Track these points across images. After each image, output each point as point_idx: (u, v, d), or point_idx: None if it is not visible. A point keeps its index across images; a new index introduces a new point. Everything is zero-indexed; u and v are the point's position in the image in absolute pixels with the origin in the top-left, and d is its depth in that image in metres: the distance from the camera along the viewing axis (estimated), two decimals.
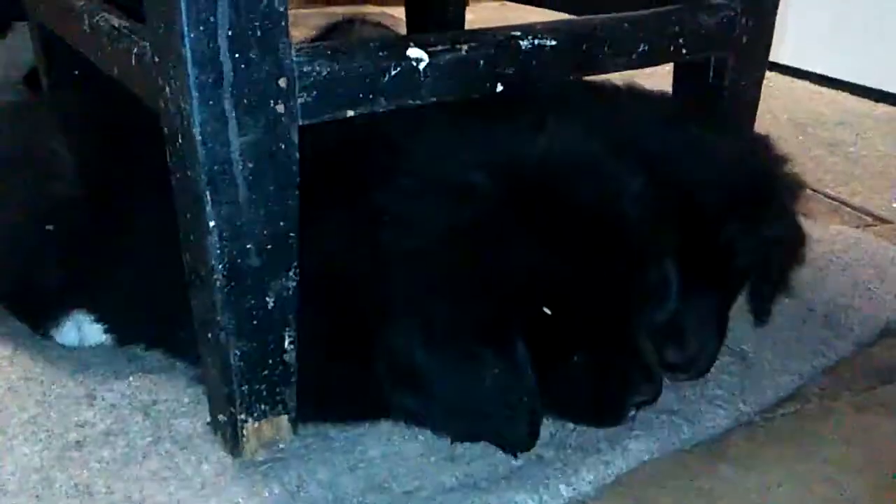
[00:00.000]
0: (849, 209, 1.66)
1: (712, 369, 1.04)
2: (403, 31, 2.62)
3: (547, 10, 1.99)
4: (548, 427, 0.94)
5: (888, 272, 1.30)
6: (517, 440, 0.87)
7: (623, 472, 0.89)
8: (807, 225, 1.49)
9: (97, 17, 0.99)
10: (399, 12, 3.69)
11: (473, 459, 0.90)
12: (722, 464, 0.93)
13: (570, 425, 0.95)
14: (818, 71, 2.63)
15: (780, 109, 2.32)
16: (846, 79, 2.56)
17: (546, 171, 0.86)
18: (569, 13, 1.53)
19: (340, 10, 3.45)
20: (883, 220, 1.60)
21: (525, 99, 0.98)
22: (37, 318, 1.14)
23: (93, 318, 1.12)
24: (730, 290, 1.06)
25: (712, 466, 0.92)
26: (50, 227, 1.07)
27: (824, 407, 1.03)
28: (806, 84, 2.61)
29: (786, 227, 1.06)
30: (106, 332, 1.12)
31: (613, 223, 0.87)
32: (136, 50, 0.85)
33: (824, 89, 2.59)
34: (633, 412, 0.92)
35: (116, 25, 0.94)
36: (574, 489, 0.85)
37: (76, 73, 1.39)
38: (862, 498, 0.88)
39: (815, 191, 1.76)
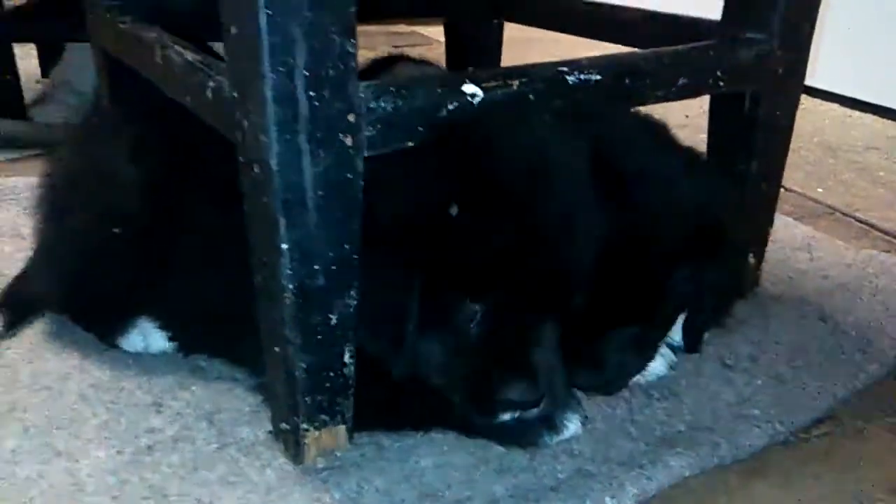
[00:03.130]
0: (879, 233, 1.69)
1: (749, 389, 1.08)
2: (436, 52, 2.69)
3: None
4: (591, 443, 1.00)
5: None
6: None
7: (665, 486, 0.93)
8: (839, 248, 1.54)
9: (168, 50, 1.07)
10: (429, 31, 3.79)
11: (521, 471, 0.95)
12: (758, 481, 0.97)
13: (612, 441, 1.00)
14: (848, 94, 2.66)
15: (810, 132, 2.36)
16: (876, 102, 2.59)
17: None
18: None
19: (372, 29, 3.53)
20: None
21: None
22: (104, 328, 1.21)
23: (157, 325, 1.19)
24: (661, 323, 1.08)
25: (749, 483, 0.96)
26: (119, 233, 1.13)
27: (858, 428, 1.07)
28: (835, 107, 2.64)
29: (724, 276, 1.08)
30: (169, 339, 1.19)
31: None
32: (211, 84, 0.92)
33: (854, 112, 2.61)
34: (508, 415, 0.92)
35: (190, 59, 1.01)
36: (618, 501, 0.90)
37: (136, 94, 1.47)
38: None
39: (845, 214, 1.79)
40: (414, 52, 2.58)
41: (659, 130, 1.17)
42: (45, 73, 2.88)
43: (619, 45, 1.53)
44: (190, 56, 1.01)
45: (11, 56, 2.32)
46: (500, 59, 1.95)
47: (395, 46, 3.39)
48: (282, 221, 0.83)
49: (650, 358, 1.07)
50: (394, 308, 0.90)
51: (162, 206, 1.14)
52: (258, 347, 1.01)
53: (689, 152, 1.17)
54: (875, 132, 2.41)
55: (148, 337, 1.19)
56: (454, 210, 0.83)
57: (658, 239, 1.01)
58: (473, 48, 1.92)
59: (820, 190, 1.94)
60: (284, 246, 0.85)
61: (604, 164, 0.96)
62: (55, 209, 1.23)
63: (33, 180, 1.81)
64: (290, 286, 0.87)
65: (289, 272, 0.86)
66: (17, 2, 2.68)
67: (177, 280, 1.14)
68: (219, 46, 1.73)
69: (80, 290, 1.20)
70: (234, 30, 0.79)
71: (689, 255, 1.02)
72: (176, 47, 1.05)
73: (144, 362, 1.19)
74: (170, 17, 1.50)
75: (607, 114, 1.05)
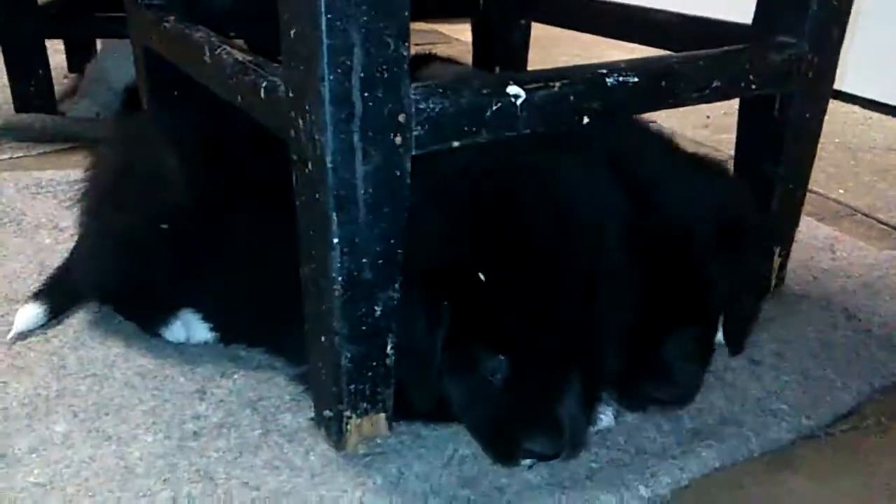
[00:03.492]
0: None
1: (776, 385, 1.11)
2: (456, 49, 2.72)
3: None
4: (624, 435, 1.03)
5: None
6: None
7: (696, 476, 0.96)
8: (861, 249, 1.56)
9: (218, 50, 1.10)
10: (447, 29, 3.81)
11: (556, 461, 0.98)
12: (786, 473, 1.00)
13: (644, 433, 1.03)
14: (868, 96, 2.67)
15: (831, 134, 2.37)
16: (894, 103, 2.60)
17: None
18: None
19: None
20: None
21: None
22: (147, 318, 1.25)
23: (200, 316, 1.22)
24: (709, 324, 1.10)
25: (777, 476, 0.99)
26: (164, 226, 1.17)
27: (882, 424, 1.09)
28: (856, 109, 2.66)
29: (754, 273, 1.12)
30: (211, 330, 1.23)
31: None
32: (264, 84, 0.95)
33: (874, 114, 2.63)
34: (528, 461, 0.93)
35: (240, 59, 1.04)
36: (652, 490, 0.93)
37: (175, 92, 1.51)
38: None
39: (866, 215, 1.81)
40: (436, 50, 2.61)
41: (668, 141, 1.22)
42: (71, 68, 2.93)
43: (644, 46, 1.57)
44: (240, 56, 1.05)
45: (44, 53, 2.36)
46: (527, 58, 1.98)
47: (416, 45, 3.42)
48: (334, 217, 0.87)
49: (709, 360, 1.08)
50: (419, 352, 0.94)
51: (206, 201, 1.17)
52: (299, 338, 1.05)
53: (705, 159, 1.20)
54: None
55: (190, 327, 1.23)
56: (482, 276, 0.85)
57: (689, 240, 1.04)
58: (501, 47, 1.95)
59: (841, 191, 1.96)
60: (335, 240, 0.88)
61: (628, 176, 0.99)
62: (100, 204, 1.27)
63: (69, 173, 1.87)
64: (340, 279, 0.90)
65: (338, 265, 0.89)
66: None
67: (220, 273, 1.18)
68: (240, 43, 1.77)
69: (126, 283, 1.23)
70: (293, 33, 0.83)
71: (718, 254, 1.05)
72: (225, 47, 1.08)
73: (186, 351, 1.23)
74: (207, 14, 1.54)
75: (623, 129, 1.08)
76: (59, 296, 1.32)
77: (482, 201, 0.90)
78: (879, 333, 1.26)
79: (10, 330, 1.25)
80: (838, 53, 1.24)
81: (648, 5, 1.56)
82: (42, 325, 1.28)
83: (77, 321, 1.30)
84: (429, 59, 1.65)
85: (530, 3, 1.85)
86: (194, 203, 1.17)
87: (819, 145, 1.33)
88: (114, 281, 1.25)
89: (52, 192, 1.79)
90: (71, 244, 1.48)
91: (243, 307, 1.19)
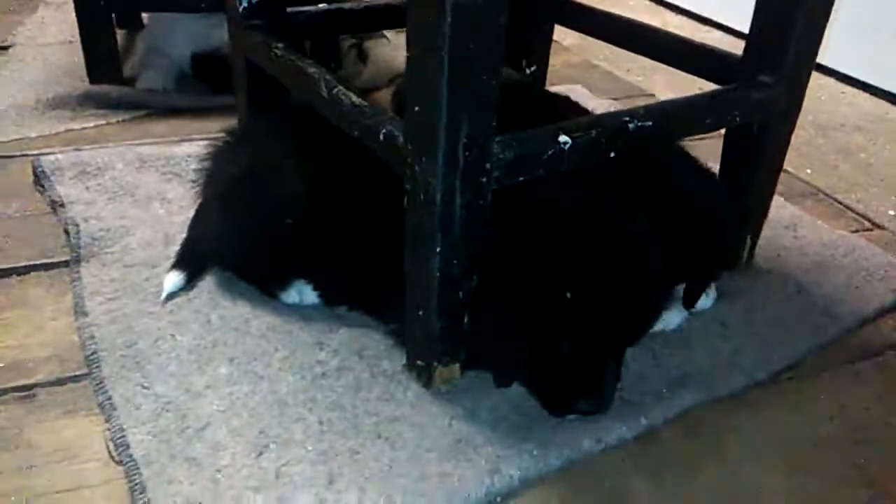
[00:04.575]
0: (852, 214, 2.10)
1: (740, 344, 1.53)
2: None
3: None
4: (628, 379, 1.43)
5: (874, 275, 1.76)
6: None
7: (680, 410, 1.38)
8: (819, 228, 1.95)
9: (335, 90, 1.44)
10: None
11: None
12: (744, 409, 1.41)
13: (643, 378, 1.44)
14: (844, 70, 2.96)
15: (806, 110, 2.66)
16: (866, 80, 2.90)
17: None
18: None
19: None
20: (879, 227, 2.04)
21: None
22: (268, 285, 1.63)
23: (310, 285, 1.61)
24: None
25: (738, 410, 1.41)
26: (289, 220, 1.53)
27: (817, 374, 1.50)
28: (830, 82, 2.96)
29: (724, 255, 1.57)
30: (319, 296, 1.61)
31: (630, 250, 1.27)
32: (384, 130, 1.30)
33: (847, 88, 2.93)
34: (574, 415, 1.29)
35: (356, 103, 1.39)
36: (650, 421, 1.34)
37: (272, 96, 1.84)
38: (838, 435, 1.38)
39: (826, 195, 2.19)
40: None
41: (685, 151, 1.59)
42: (119, 25, 3.19)
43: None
44: (355, 98, 1.39)
45: (112, 24, 2.65)
46: (549, 54, 2.31)
47: None
48: (438, 234, 1.24)
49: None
50: (513, 350, 1.30)
51: (318, 197, 1.53)
52: (389, 303, 1.44)
53: (703, 167, 1.59)
54: (863, 112, 2.75)
55: (302, 293, 1.61)
56: (568, 295, 1.23)
57: (693, 231, 1.44)
58: (527, 45, 2.27)
59: (808, 171, 2.32)
60: (438, 249, 1.26)
61: (654, 181, 1.38)
62: (228, 193, 1.62)
63: (164, 150, 2.21)
64: (438, 275, 1.28)
65: (437, 266, 1.27)
66: None
67: (327, 253, 1.55)
68: None
69: (250, 258, 1.61)
70: (417, 108, 1.18)
71: (708, 239, 1.46)
72: (341, 88, 1.42)
73: (301, 311, 1.60)
74: (293, 28, 1.86)
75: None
76: (192, 264, 1.69)
77: (557, 245, 1.27)
78: (822, 304, 1.66)
79: (158, 292, 1.63)
80: (805, 89, 1.60)
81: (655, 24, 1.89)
82: (182, 289, 1.66)
83: (209, 286, 1.67)
84: None
85: (552, 10, 2.16)
86: (309, 198, 1.53)
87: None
88: (242, 257, 1.63)
89: (154, 166, 2.12)
90: (181, 216, 1.85)
91: (345, 279, 1.57)
